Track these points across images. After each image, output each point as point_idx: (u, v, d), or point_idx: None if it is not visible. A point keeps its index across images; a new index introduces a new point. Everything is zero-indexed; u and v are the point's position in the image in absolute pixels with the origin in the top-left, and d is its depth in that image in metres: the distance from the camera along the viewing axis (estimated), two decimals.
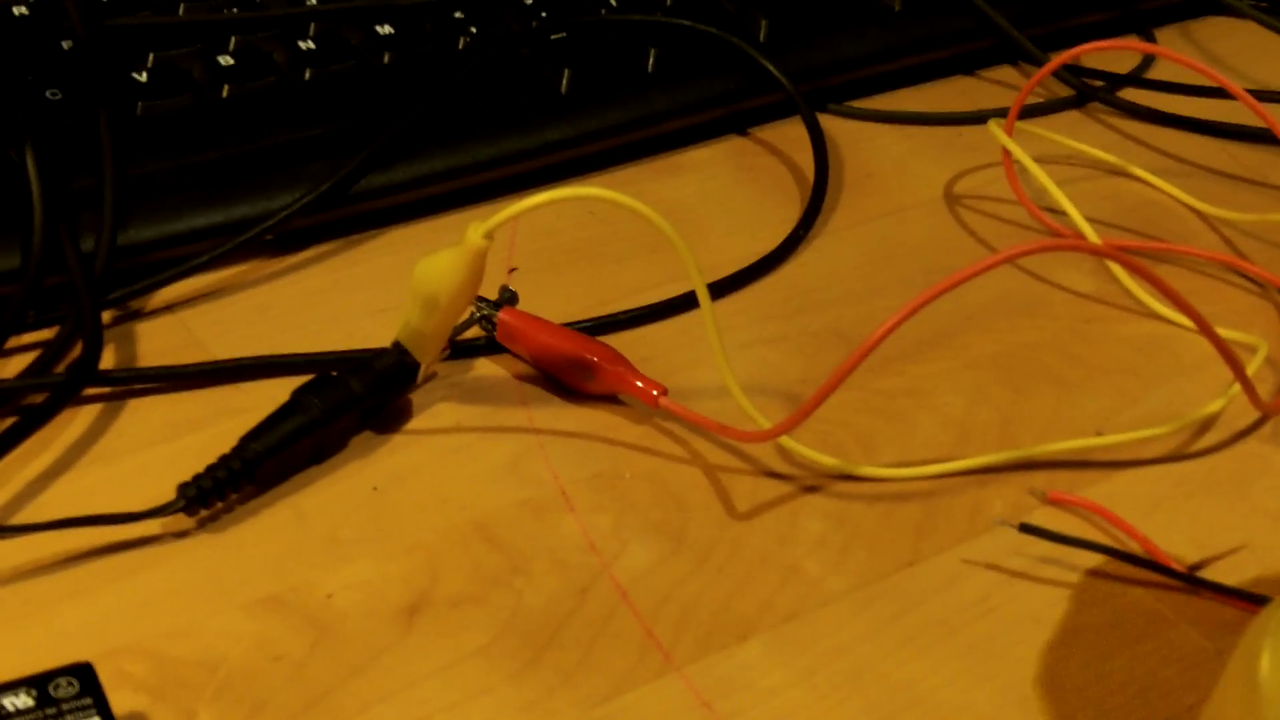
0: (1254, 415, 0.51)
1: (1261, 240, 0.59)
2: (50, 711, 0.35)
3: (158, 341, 0.49)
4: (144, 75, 0.55)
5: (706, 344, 0.47)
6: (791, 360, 0.51)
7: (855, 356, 0.44)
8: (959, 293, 0.44)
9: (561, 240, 0.55)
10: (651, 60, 0.61)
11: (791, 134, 0.62)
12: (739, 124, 0.62)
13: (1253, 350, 0.52)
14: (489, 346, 0.50)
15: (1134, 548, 0.46)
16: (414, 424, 0.48)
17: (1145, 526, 0.46)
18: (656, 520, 0.45)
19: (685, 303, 0.53)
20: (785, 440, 0.47)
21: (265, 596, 0.42)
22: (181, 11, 0.58)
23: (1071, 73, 0.66)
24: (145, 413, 0.47)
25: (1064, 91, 0.66)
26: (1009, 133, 0.58)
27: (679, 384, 0.49)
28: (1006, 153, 0.58)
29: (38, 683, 0.36)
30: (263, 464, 0.44)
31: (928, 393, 0.51)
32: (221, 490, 0.43)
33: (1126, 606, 0.44)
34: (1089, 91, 0.66)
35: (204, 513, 0.44)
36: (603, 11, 0.62)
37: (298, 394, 0.46)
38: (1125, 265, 0.46)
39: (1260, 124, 0.60)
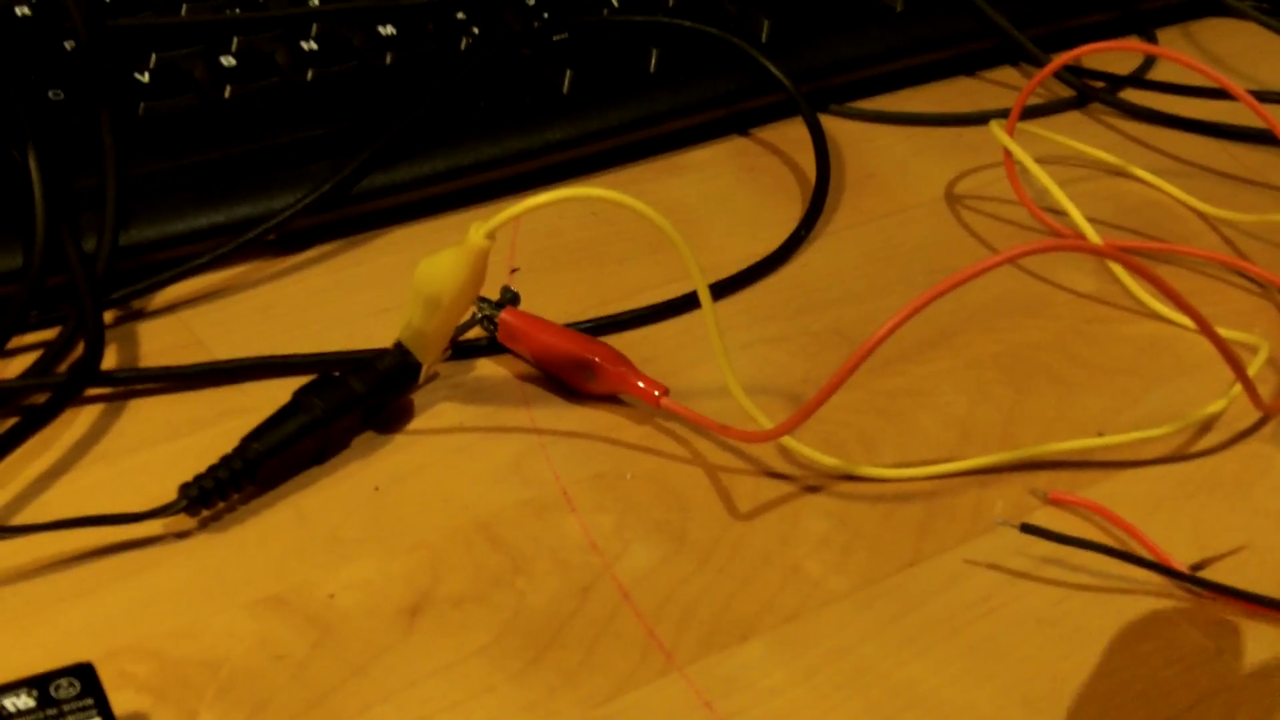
0: (1255, 415, 0.51)
1: (1262, 241, 0.59)
2: (51, 712, 0.35)
3: (159, 341, 0.49)
4: (146, 75, 0.55)
5: (708, 344, 0.47)
6: (793, 360, 0.51)
7: (857, 356, 0.44)
8: (960, 293, 0.44)
9: (563, 240, 0.55)
10: (653, 60, 0.61)
11: (793, 134, 0.62)
12: (741, 124, 0.62)
13: (1254, 350, 0.52)
14: (491, 346, 0.50)
15: (1135, 548, 0.46)
16: (416, 424, 0.48)
17: (1147, 527, 0.46)
18: (658, 520, 0.45)
19: (687, 303, 0.53)
20: (787, 440, 0.47)
21: (267, 596, 0.42)
22: (184, 12, 0.58)
23: (1073, 73, 0.66)
24: (147, 413, 0.47)
25: (1065, 92, 0.66)
26: (1010, 133, 0.59)
27: (681, 384, 0.49)
28: (1008, 153, 0.58)
29: (39, 683, 0.36)
30: (264, 464, 0.44)
31: (929, 393, 0.51)
32: (223, 490, 0.43)
33: (1128, 607, 0.44)
34: (1090, 92, 0.66)
35: (206, 513, 0.44)
36: (604, 12, 0.62)
37: (299, 394, 0.46)
38: (1126, 265, 0.46)
39: (1261, 125, 0.60)
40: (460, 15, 0.60)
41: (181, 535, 0.43)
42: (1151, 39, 0.71)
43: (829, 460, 0.47)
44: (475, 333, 0.50)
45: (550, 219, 0.56)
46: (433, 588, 0.43)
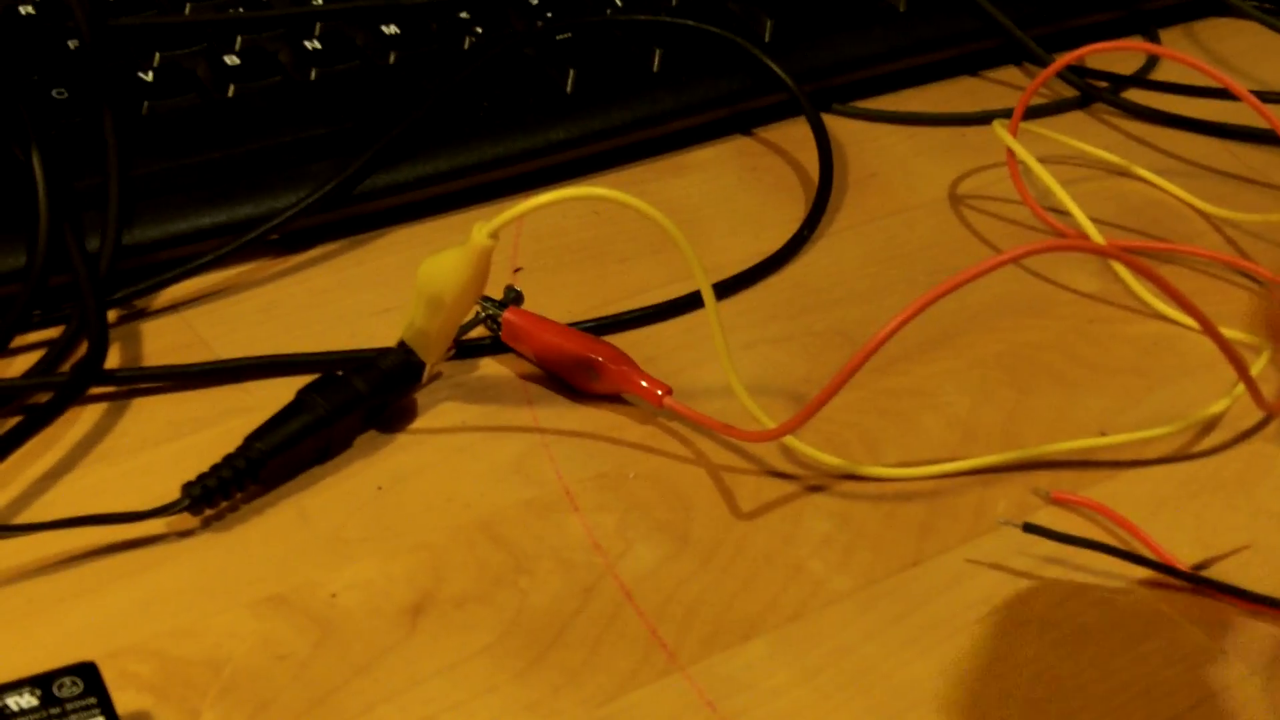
0: (1258, 415, 0.51)
1: (1265, 240, 0.59)
2: (54, 711, 0.35)
3: (162, 341, 0.49)
4: (149, 75, 0.55)
5: (711, 344, 0.47)
6: (796, 360, 0.51)
7: (860, 356, 0.44)
8: (963, 293, 0.44)
9: (566, 240, 0.55)
10: (656, 60, 0.61)
11: (796, 134, 0.62)
12: (743, 124, 0.62)
13: (1257, 350, 0.52)
14: (494, 346, 0.50)
15: (1138, 548, 0.46)
16: (419, 423, 0.48)
17: (1149, 526, 0.46)
18: (661, 520, 0.45)
19: (690, 302, 0.53)
20: (790, 440, 0.47)
21: (270, 596, 0.42)
22: (187, 11, 0.58)
23: (1076, 73, 0.66)
24: (150, 412, 0.47)
25: (1068, 92, 0.66)
26: (1013, 133, 0.58)
27: (683, 384, 0.49)
28: (1011, 153, 0.58)
29: (41, 682, 0.36)
30: (267, 463, 0.44)
31: (932, 393, 0.51)
32: (226, 489, 0.43)
33: (1130, 606, 0.44)
34: (1093, 92, 0.66)
35: (208, 512, 0.44)
36: (607, 11, 0.62)
37: (302, 393, 0.46)
38: (1129, 265, 0.46)
39: (1264, 125, 0.59)
40: (463, 15, 0.60)
41: (184, 534, 0.43)
42: (1154, 39, 0.71)
43: (831, 460, 0.47)
44: (478, 332, 0.50)
45: (553, 218, 0.56)
46: (435, 587, 0.43)
